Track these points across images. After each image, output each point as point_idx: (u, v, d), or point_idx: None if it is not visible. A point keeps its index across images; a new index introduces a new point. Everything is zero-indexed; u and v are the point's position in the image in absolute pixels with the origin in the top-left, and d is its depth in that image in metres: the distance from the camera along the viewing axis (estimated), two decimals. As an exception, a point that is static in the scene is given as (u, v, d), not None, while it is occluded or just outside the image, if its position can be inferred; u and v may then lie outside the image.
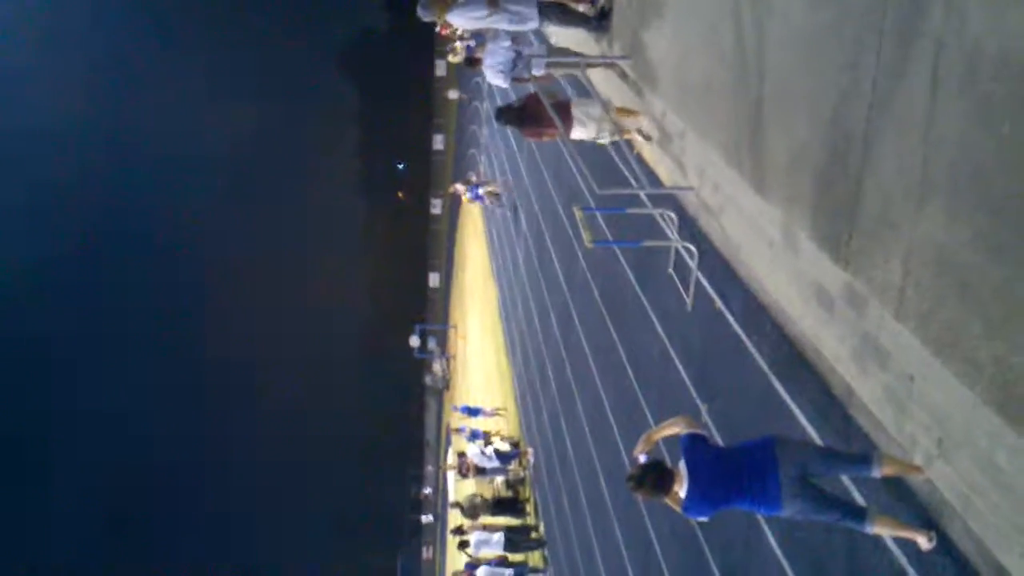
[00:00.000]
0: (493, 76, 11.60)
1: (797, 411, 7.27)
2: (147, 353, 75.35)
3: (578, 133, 10.80)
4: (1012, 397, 4.51)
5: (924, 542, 5.35)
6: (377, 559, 76.31)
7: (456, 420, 35.14)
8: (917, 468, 5.41)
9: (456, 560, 23.81)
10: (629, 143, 10.38)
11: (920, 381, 5.32)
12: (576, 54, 12.05)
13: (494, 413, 29.29)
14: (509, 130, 19.10)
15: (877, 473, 5.46)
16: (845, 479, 6.44)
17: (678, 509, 5.90)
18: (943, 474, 5.21)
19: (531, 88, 10.90)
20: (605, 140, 11.15)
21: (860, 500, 6.28)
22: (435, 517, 58.96)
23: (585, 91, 12.21)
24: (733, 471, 5.60)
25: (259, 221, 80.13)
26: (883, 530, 5.58)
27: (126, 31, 75.98)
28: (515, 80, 11.55)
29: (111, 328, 75.36)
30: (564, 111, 10.60)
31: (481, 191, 30.99)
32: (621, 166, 12.20)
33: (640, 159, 11.02)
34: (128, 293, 76.14)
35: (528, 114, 10.87)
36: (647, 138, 10.91)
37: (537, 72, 11.35)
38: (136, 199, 75.75)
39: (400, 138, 76.73)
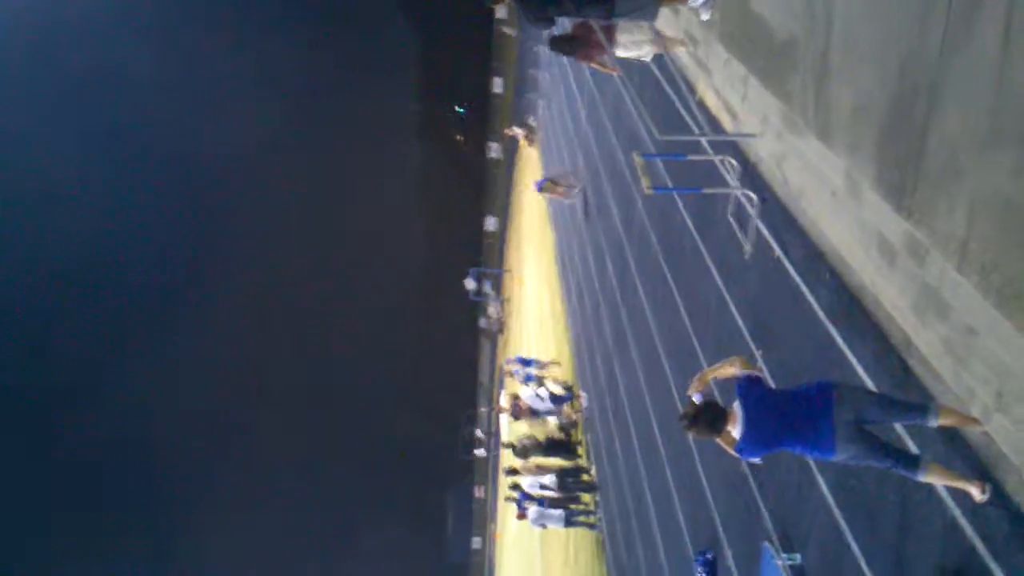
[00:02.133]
0: None
1: (854, 360, 7.26)
2: (215, 298, 76.79)
3: (622, 52, 11.26)
4: (1074, 351, 4.49)
5: (977, 493, 5.36)
6: (429, 496, 77.60)
7: (510, 366, 35.47)
8: (975, 420, 5.40)
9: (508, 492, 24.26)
10: (692, 88, 10.36)
11: (981, 334, 5.29)
12: None
13: (548, 364, 29.38)
14: (565, 60, 19.47)
15: (934, 423, 5.45)
16: (899, 428, 6.45)
17: (730, 450, 5.95)
18: (1001, 427, 5.21)
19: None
20: (648, 58, 11.59)
21: (914, 449, 6.30)
22: (487, 452, 59.73)
23: None
24: (788, 413, 5.63)
25: (317, 163, 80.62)
26: (936, 479, 5.59)
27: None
28: None
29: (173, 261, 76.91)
30: (610, 32, 11.03)
31: None
32: (683, 112, 12.12)
33: (702, 105, 10.95)
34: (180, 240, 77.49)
35: (577, 40, 11.38)
36: (683, 44, 11.52)
37: None
38: (198, 143, 76.59)
39: (459, 81, 76.43)
